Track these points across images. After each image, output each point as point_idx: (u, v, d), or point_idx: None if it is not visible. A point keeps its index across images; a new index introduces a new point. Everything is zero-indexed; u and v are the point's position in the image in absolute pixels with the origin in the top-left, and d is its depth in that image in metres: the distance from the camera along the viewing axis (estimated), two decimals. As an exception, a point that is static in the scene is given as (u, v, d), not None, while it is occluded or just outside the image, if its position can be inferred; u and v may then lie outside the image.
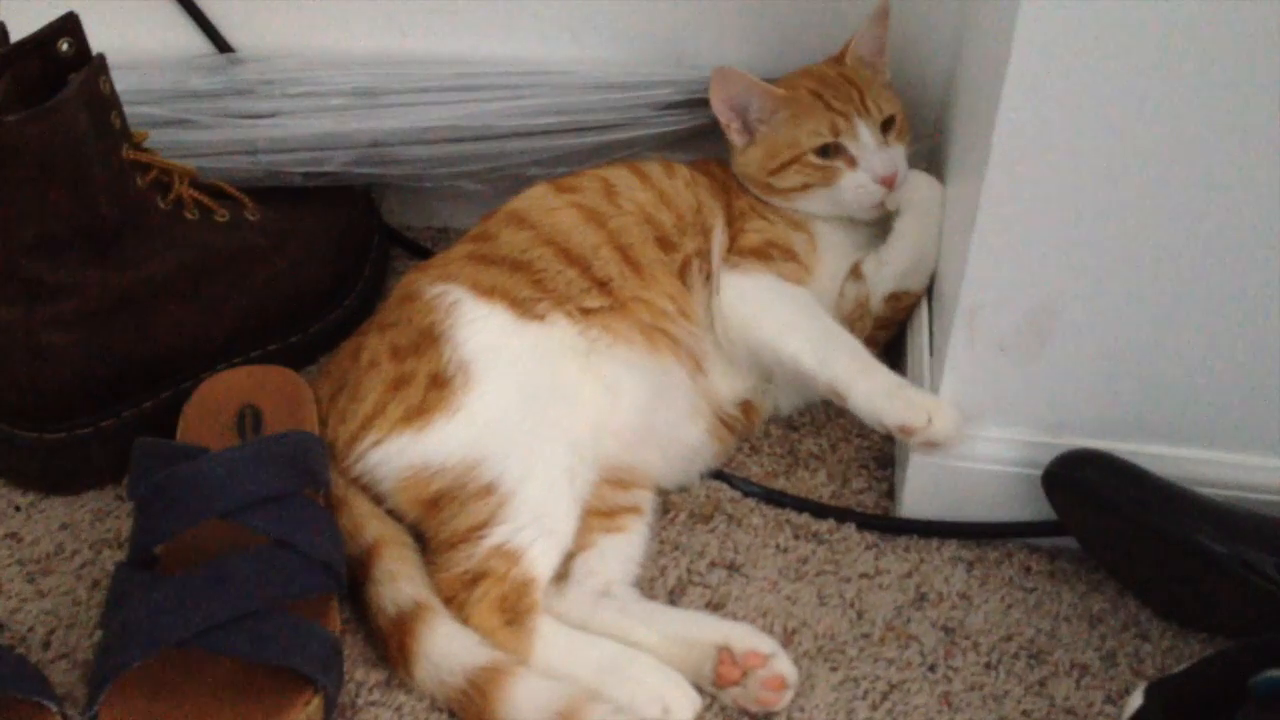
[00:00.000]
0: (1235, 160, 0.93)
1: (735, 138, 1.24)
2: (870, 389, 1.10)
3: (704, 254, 1.21)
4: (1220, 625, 1.04)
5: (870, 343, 1.22)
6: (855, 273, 1.21)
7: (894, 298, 1.20)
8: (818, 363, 1.13)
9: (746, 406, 1.21)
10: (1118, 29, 0.88)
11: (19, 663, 0.96)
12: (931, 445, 1.08)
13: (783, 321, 1.16)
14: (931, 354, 1.15)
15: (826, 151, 1.20)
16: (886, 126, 1.21)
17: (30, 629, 1.05)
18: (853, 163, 1.20)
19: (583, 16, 1.32)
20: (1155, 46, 0.89)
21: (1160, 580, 1.04)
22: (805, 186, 1.21)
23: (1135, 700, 0.91)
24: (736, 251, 1.21)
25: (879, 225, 1.23)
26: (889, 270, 1.20)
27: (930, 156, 1.24)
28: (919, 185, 1.20)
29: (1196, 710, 0.88)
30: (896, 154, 1.21)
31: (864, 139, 1.20)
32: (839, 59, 1.25)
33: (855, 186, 1.20)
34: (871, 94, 1.21)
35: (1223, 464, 1.06)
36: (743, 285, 1.19)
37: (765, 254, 1.20)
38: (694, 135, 1.28)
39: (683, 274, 1.19)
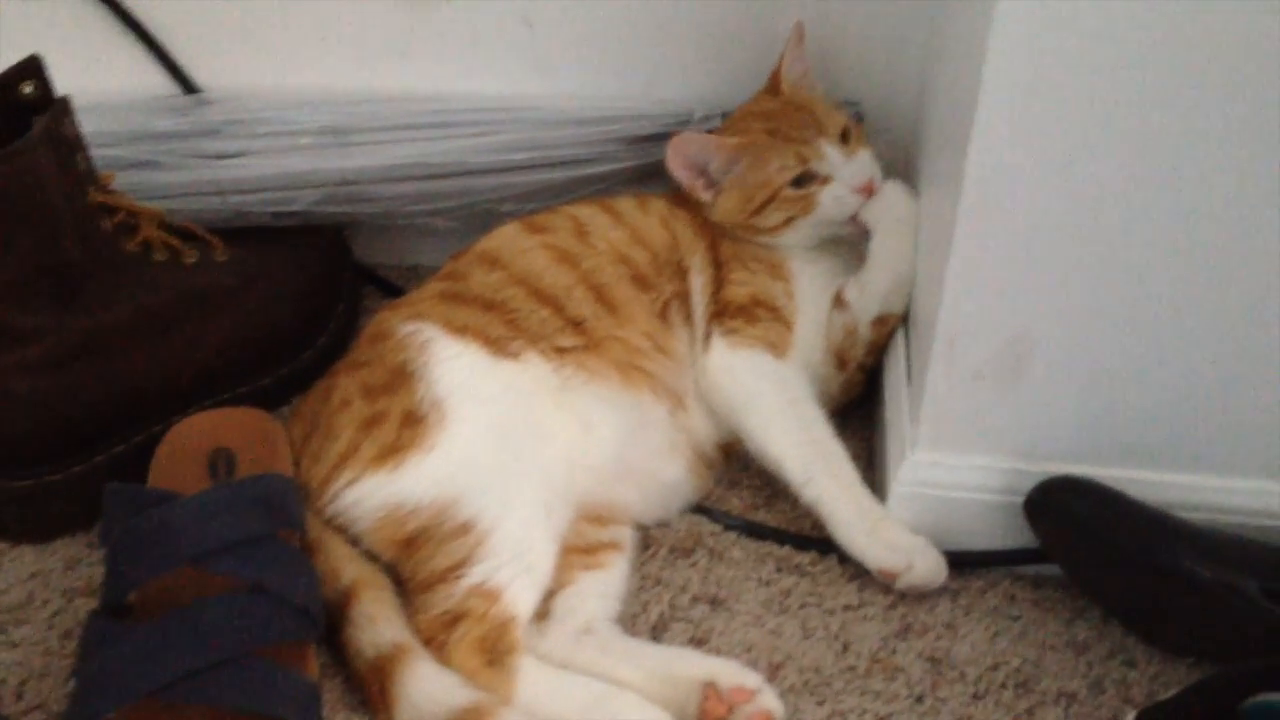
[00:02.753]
0: (1213, 187, 0.93)
1: (703, 194, 1.23)
2: (850, 522, 1.10)
3: (683, 295, 1.20)
4: (1207, 650, 1.04)
5: (861, 369, 1.22)
6: (839, 302, 1.21)
7: (880, 321, 1.20)
8: (802, 480, 1.13)
9: (726, 448, 1.21)
10: (1093, 55, 0.88)
11: (-11, 716, 0.94)
12: (913, 590, 1.09)
13: (771, 419, 1.15)
14: (910, 383, 1.15)
15: (800, 181, 1.20)
16: (844, 138, 1.22)
17: (2, 680, 1.02)
18: (826, 181, 1.20)
19: (552, 52, 1.32)
20: (1131, 73, 0.89)
21: (1145, 606, 1.04)
22: (789, 220, 1.21)
23: (1126, 728, 0.90)
24: (722, 306, 1.20)
25: (854, 250, 1.23)
26: (870, 292, 1.19)
27: (905, 182, 1.24)
28: (889, 202, 1.20)
29: (1187, 736, 0.87)
30: (864, 160, 1.21)
31: (830, 157, 1.20)
32: (774, 90, 1.25)
33: (834, 200, 1.20)
34: (820, 111, 1.22)
35: (1205, 488, 1.06)
36: (732, 363, 1.18)
37: (752, 314, 1.20)
38: (664, 169, 1.27)
39: (663, 314, 1.19)
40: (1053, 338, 1.01)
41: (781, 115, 1.22)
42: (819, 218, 1.21)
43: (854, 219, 1.21)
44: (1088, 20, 0.87)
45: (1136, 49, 0.88)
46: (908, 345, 1.19)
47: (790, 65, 1.24)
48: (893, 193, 1.20)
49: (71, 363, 1.12)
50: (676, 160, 1.21)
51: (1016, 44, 0.89)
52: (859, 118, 1.28)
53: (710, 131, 1.27)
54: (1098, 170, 0.93)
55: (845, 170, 1.20)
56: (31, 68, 1.08)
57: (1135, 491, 1.03)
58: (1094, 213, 0.95)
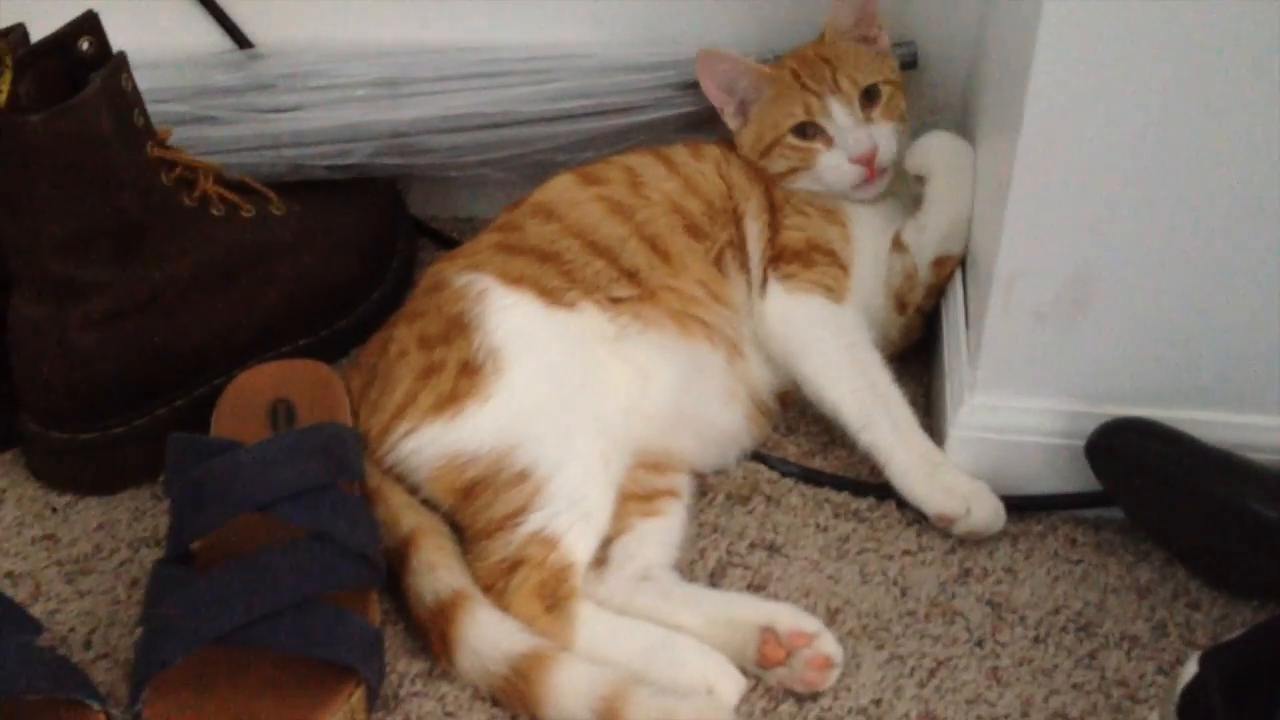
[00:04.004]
0: (1274, 120, 0.91)
1: (730, 120, 1.23)
2: (908, 466, 1.10)
3: (737, 244, 1.20)
4: (1272, 592, 1.03)
5: (920, 312, 1.22)
6: (897, 244, 1.20)
7: (939, 262, 1.19)
8: (859, 425, 1.12)
9: (783, 397, 1.21)
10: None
11: (61, 663, 0.96)
12: (971, 535, 1.08)
13: (828, 364, 1.15)
14: (968, 325, 1.14)
15: (806, 132, 1.19)
16: (871, 98, 1.19)
17: (71, 629, 1.04)
18: (830, 143, 1.19)
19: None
20: (1191, 7, 0.87)
21: (1209, 547, 1.03)
22: (792, 171, 1.21)
23: (1189, 669, 0.89)
24: (778, 251, 1.19)
25: (911, 193, 1.22)
26: (929, 236, 1.18)
27: (962, 123, 1.22)
28: (941, 146, 1.18)
29: (1252, 677, 0.86)
30: (878, 132, 1.18)
31: (838, 117, 1.18)
32: (822, 38, 1.23)
33: (831, 168, 1.19)
34: (846, 68, 1.19)
35: (1269, 428, 1.04)
36: (789, 309, 1.17)
37: (808, 259, 1.19)
38: (717, 115, 1.27)
39: (718, 262, 1.18)
40: (1113, 277, 1.00)
41: (810, 62, 1.21)
42: (819, 179, 1.20)
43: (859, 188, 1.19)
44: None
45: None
46: (965, 287, 1.18)
47: (837, 14, 1.22)
48: (941, 137, 1.19)
49: (133, 316, 1.13)
50: (706, 76, 1.22)
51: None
52: (913, 59, 1.25)
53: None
54: (1158, 106, 0.91)
55: (848, 135, 1.18)
56: (88, 24, 1.08)
57: (1198, 433, 1.01)
58: (1155, 149, 0.93)
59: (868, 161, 1.17)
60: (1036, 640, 1.02)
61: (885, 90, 1.20)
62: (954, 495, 1.08)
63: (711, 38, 1.30)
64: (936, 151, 1.18)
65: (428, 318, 1.11)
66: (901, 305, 1.21)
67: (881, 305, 1.21)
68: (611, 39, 1.32)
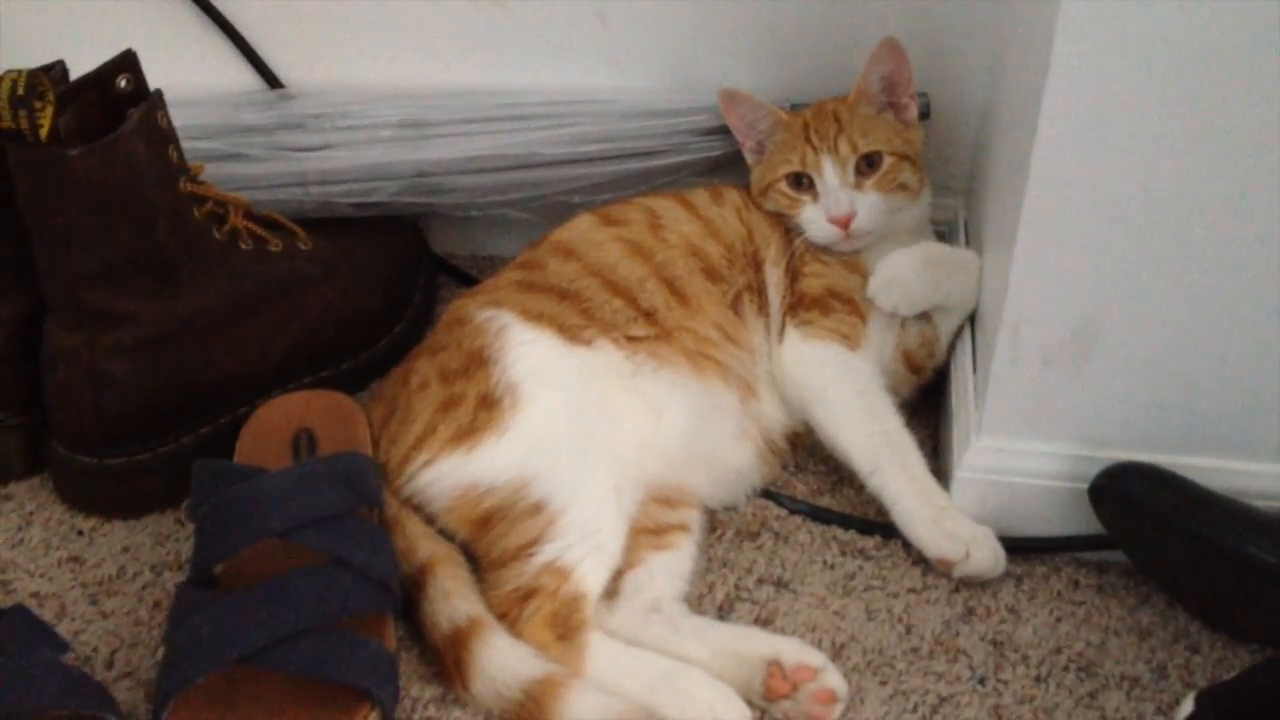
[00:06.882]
0: (1275, 170, 0.93)
1: (749, 155, 1.27)
2: (913, 510, 1.11)
3: (755, 288, 1.22)
4: (1271, 636, 1.04)
5: (936, 370, 1.25)
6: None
7: (957, 330, 1.23)
8: (868, 469, 1.14)
9: (793, 438, 1.23)
10: (1157, 44, 0.89)
11: (84, 680, 0.97)
12: (970, 579, 1.10)
13: (841, 410, 1.17)
14: (975, 370, 1.16)
15: (800, 182, 1.22)
16: (871, 164, 1.21)
17: (94, 649, 1.07)
18: (817, 199, 1.22)
19: (624, 45, 1.34)
20: (1194, 60, 0.90)
21: (1210, 592, 1.04)
22: (780, 215, 1.24)
23: (1186, 707, 0.91)
24: (798, 298, 1.22)
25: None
26: (951, 321, 1.23)
27: (971, 173, 1.25)
28: (910, 276, 1.20)
29: (1248, 717, 0.87)
30: (862, 199, 1.21)
31: (827, 176, 1.21)
32: (848, 96, 1.25)
33: (809, 221, 1.22)
34: (851, 131, 1.21)
35: (1270, 476, 1.06)
36: (805, 355, 1.20)
37: (827, 305, 1.21)
38: (736, 160, 1.30)
39: (735, 305, 1.20)
40: (1118, 324, 1.02)
41: (823, 117, 1.24)
42: (799, 229, 1.23)
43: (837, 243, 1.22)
44: (1153, 9, 0.88)
45: (1203, 36, 0.88)
46: (973, 332, 1.20)
47: (866, 76, 1.23)
48: (899, 267, 1.20)
49: (163, 346, 1.16)
50: (731, 113, 1.27)
51: (1083, 32, 0.90)
52: (926, 110, 1.28)
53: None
54: (1163, 156, 0.94)
55: (831, 197, 1.21)
56: (127, 62, 1.11)
57: (1201, 478, 1.03)
58: (1160, 198, 0.95)
59: (843, 224, 1.20)
60: (1038, 679, 1.03)
61: (887, 161, 1.22)
62: (955, 540, 1.09)
63: (731, 85, 1.33)
64: (916, 290, 1.20)
65: (449, 352, 1.13)
66: (917, 368, 1.24)
67: (892, 357, 1.23)
68: (632, 85, 1.35)
